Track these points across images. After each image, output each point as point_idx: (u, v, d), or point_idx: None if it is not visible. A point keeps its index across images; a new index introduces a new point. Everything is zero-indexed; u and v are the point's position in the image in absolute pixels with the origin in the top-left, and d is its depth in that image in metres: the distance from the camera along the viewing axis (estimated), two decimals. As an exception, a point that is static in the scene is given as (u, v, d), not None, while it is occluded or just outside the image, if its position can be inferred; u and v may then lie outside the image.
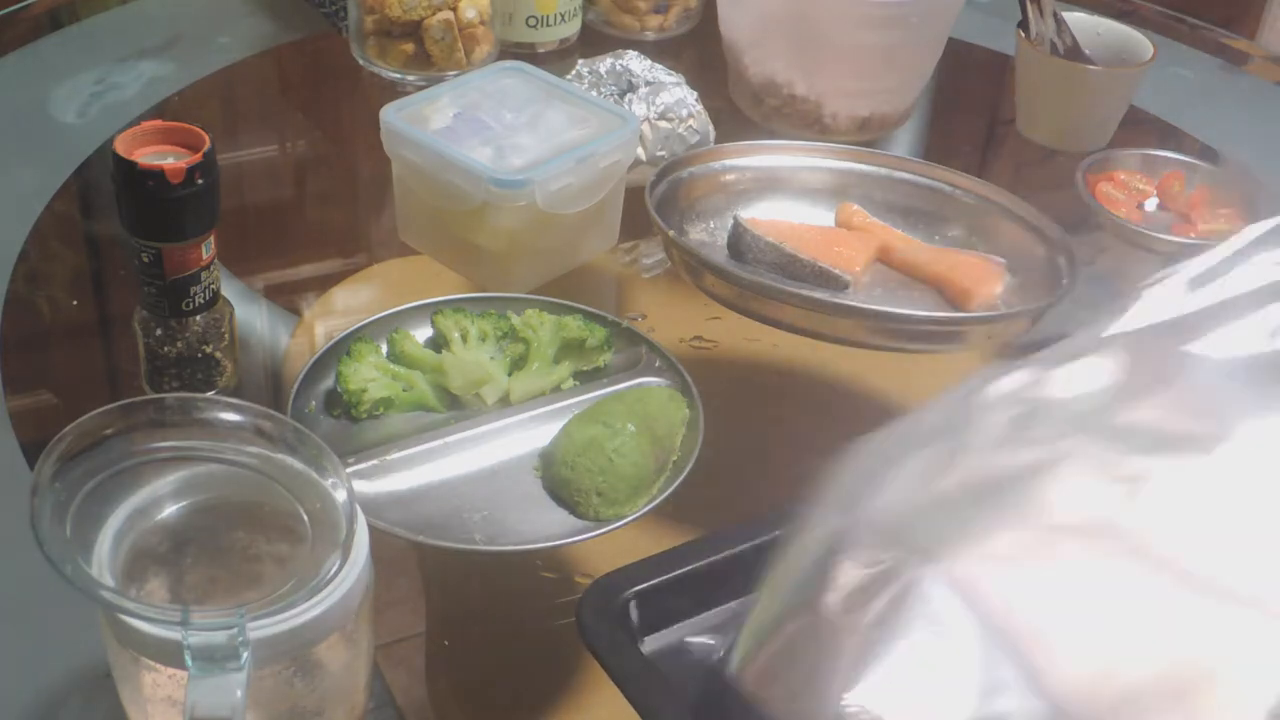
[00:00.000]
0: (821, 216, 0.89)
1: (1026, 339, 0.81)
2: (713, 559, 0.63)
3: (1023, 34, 1.07)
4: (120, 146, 0.72)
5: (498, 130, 0.89)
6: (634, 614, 0.61)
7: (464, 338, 0.76)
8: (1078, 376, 0.59)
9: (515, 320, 0.77)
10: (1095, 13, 1.11)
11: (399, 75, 1.11)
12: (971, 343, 0.81)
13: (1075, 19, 1.09)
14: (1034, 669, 0.48)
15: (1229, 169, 1.05)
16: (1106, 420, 0.56)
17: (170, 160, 0.72)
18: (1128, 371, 0.58)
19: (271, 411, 0.57)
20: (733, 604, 0.62)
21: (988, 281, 0.82)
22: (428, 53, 1.10)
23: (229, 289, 0.81)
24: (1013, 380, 0.60)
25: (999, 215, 0.87)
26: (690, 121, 0.96)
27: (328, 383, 0.74)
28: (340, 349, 0.74)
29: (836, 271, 0.81)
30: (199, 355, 0.78)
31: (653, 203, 0.82)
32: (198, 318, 0.77)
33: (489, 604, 0.73)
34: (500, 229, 0.86)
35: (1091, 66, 1.06)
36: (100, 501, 0.53)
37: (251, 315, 0.89)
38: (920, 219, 0.89)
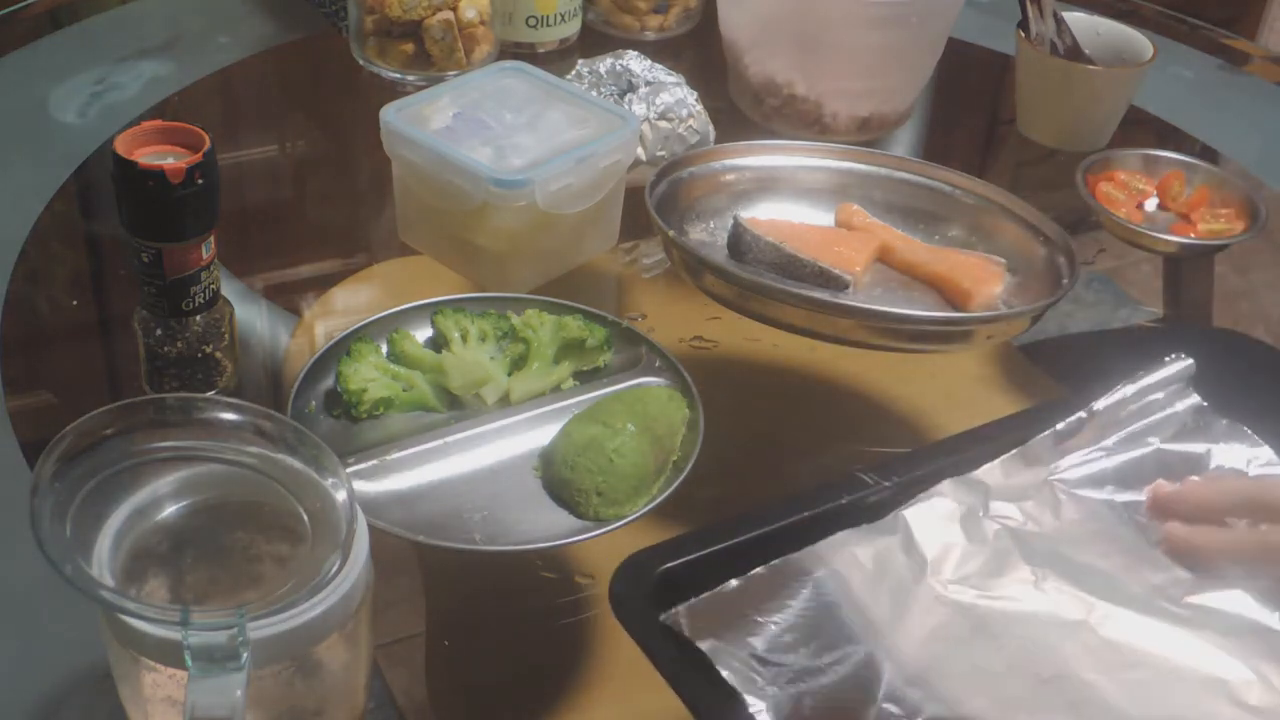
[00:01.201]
0: (821, 216, 0.89)
1: (1026, 338, 0.81)
2: (745, 537, 0.64)
3: (1023, 34, 1.07)
4: (120, 146, 0.72)
5: (498, 130, 0.89)
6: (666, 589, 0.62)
7: (464, 338, 0.76)
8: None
9: (515, 320, 0.77)
10: (1095, 13, 1.11)
11: (399, 75, 1.11)
12: (971, 343, 0.81)
13: (1075, 19, 1.09)
14: None
15: (1229, 169, 1.05)
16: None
17: (170, 160, 0.72)
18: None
19: (271, 411, 0.57)
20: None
21: (988, 281, 0.82)
22: (428, 53, 1.10)
23: (229, 289, 0.81)
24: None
25: (999, 215, 0.87)
26: (690, 121, 0.96)
27: (328, 383, 0.74)
28: (340, 349, 0.74)
29: (837, 271, 0.81)
30: (199, 355, 0.78)
31: (653, 203, 0.82)
32: (198, 318, 0.77)
33: (489, 604, 0.73)
34: (500, 229, 0.86)
35: (1091, 66, 1.06)
36: (100, 501, 0.53)
37: (251, 315, 0.89)
38: (920, 219, 0.88)
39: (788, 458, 0.83)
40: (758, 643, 0.60)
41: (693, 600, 0.61)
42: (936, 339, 0.78)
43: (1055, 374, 0.91)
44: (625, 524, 0.67)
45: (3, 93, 1.10)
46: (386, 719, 0.65)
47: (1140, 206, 1.00)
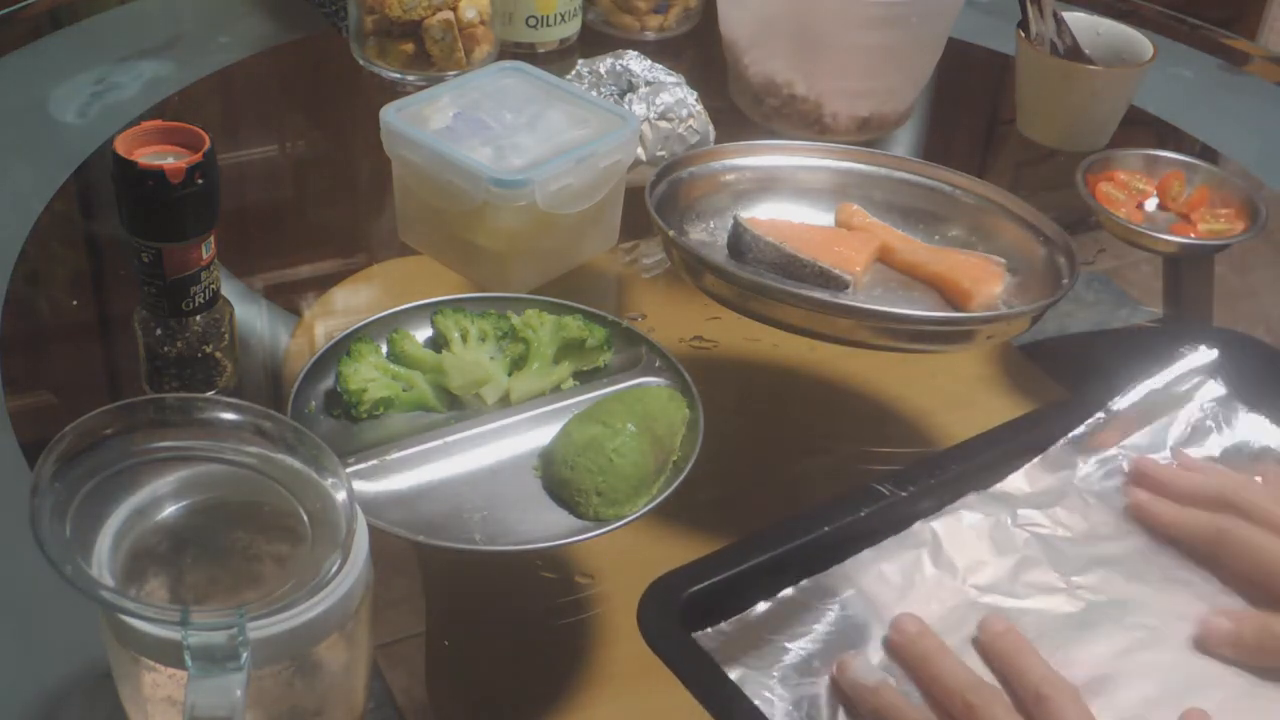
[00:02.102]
0: (821, 217, 0.89)
1: (1026, 338, 0.81)
2: (772, 554, 0.64)
3: (1023, 34, 1.07)
4: (120, 146, 0.72)
5: (498, 130, 0.89)
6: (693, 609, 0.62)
7: (464, 338, 0.76)
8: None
9: (515, 320, 0.77)
10: (1095, 13, 1.11)
11: (399, 75, 1.11)
12: (972, 343, 0.81)
13: (1075, 19, 1.09)
14: None
15: (1229, 169, 1.05)
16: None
17: (170, 160, 0.72)
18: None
19: (271, 411, 0.57)
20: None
21: (988, 281, 0.82)
22: (428, 53, 1.10)
23: (229, 289, 0.81)
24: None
25: (999, 215, 0.86)
26: (690, 121, 0.96)
27: (328, 383, 0.74)
28: (340, 349, 0.74)
29: (837, 272, 0.81)
30: (199, 355, 0.78)
31: (653, 203, 0.81)
32: (198, 318, 0.77)
33: (489, 604, 0.73)
34: (500, 229, 0.86)
35: (1091, 66, 1.06)
36: (100, 501, 0.53)
37: (251, 315, 0.89)
38: (920, 219, 0.88)
39: (788, 458, 0.83)
40: (787, 667, 0.60)
41: (721, 625, 0.61)
42: (937, 339, 0.78)
43: (1055, 374, 0.91)
44: (625, 524, 0.67)
45: (3, 93, 1.10)
46: (386, 719, 0.65)
47: (1140, 206, 1.00)
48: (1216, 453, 0.73)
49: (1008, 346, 0.91)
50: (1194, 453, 0.73)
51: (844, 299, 0.80)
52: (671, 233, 0.79)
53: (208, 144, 0.73)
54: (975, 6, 1.17)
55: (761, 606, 0.63)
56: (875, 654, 0.62)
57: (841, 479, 0.80)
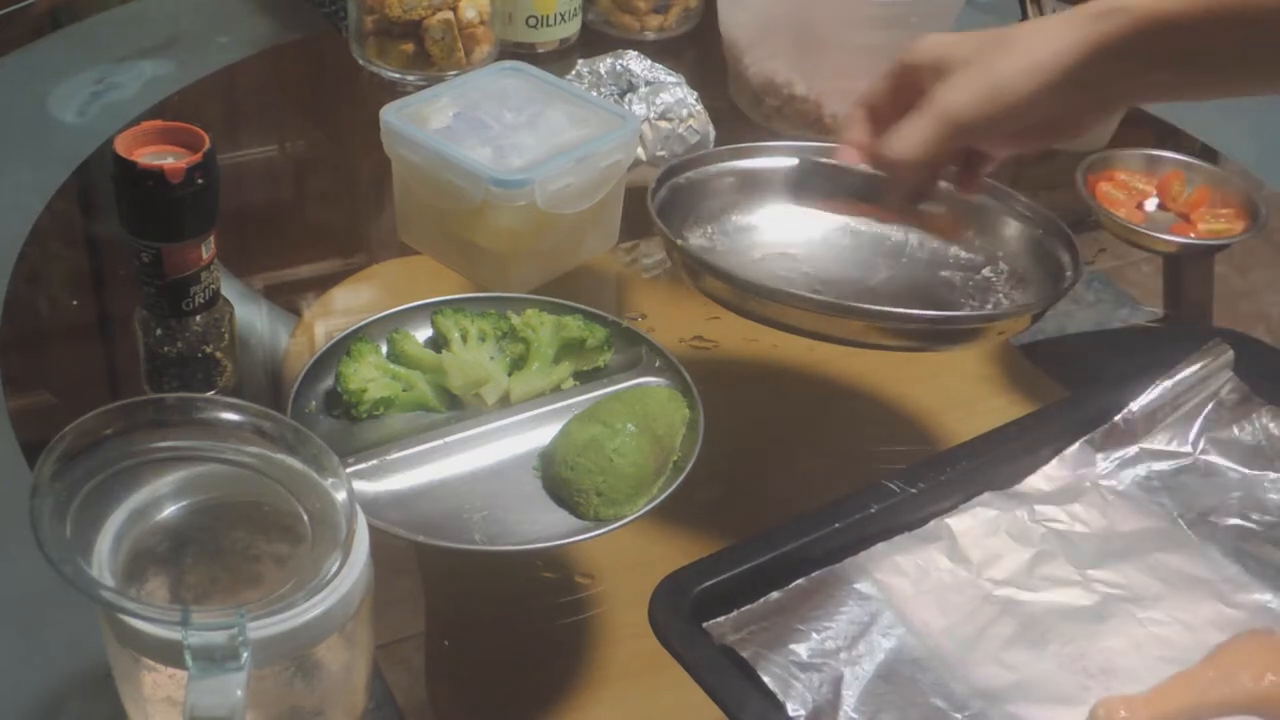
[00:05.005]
0: (824, 217, 0.89)
1: (1026, 338, 0.81)
2: (782, 550, 0.64)
3: (1023, 34, 1.07)
4: (120, 146, 0.72)
5: (498, 130, 0.89)
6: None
7: (464, 338, 0.76)
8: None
9: (515, 320, 0.77)
10: (1095, 13, 1.11)
11: (399, 75, 1.11)
12: (973, 342, 0.81)
13: (1075, 19, 1.08)
14: None
15: (1229, 169, 1.05)
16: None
17: (170, 160, 0.72)
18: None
19: (271, 411, 0.57)
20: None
21: None
22: (428, 53, 1.10)
23: (229, 289, 0.81)
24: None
25: (1001, 211, 0.86)
26: (690, 121, 0.96)
27: (328, 383, 0.74)
28: (340, 349, 0.74)
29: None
30: (199, 355, 0.78)
31: (654, 206, 0.81)
32: (198, 318, 0.77)
33: (489, 604, 0.73)
34: (500, 229, 0.86)
35: (1091, 66, 1.06)
36: (100, 501, 0.53)
37: (251, 315, 0.89)
38: (924, 215, 0.88)
39: (788, 458, 0.83)
40: (800, 649, 0.60)
41: (735, 613, 0.61)
42: (938, 339, 0.78)
43: (1055, 374, 0.91)
44: (625, 524, 0.67)
45: (3, 93, 1.10)
46: (386, 719, 0.65)
47: (1140, 206, 1.00)
48: (1237, 450, 0.73)
49: (1007, 346, 0.91)
50: (1214, 450, 0.73)
51: (845, 300, 0.80)
52: (664, 227, 0.79)
53: (208, 144, 0.73)
54: (975, 6, 1.17)
55: (775, 595, 0.63)
56: (888, 639, 0.62)
57: (842, 479, 0.80)
